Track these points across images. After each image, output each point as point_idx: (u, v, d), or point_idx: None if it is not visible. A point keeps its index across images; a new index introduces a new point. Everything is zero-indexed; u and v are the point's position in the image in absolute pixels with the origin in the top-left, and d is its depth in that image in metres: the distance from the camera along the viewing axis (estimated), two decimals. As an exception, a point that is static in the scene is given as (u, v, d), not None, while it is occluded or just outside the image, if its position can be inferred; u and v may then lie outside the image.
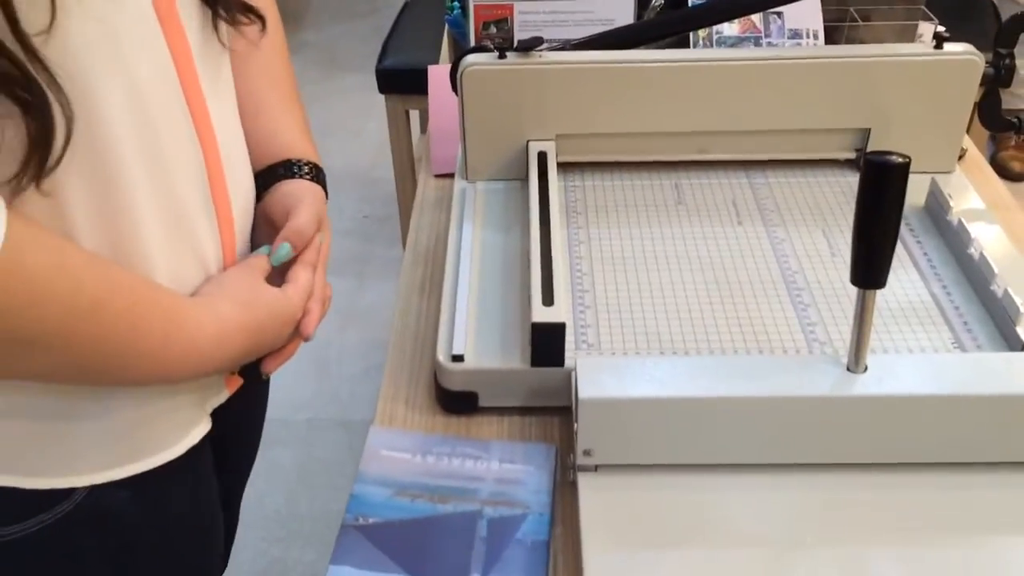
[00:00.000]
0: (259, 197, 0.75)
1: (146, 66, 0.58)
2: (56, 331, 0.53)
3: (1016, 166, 2.58)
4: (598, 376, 0.65)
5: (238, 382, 0.75)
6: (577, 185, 0.99)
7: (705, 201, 0.95)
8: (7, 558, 0.66)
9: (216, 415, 0.74)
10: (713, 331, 0.78)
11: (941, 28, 0.93)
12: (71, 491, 0.65)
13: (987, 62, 0.92)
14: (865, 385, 0.64)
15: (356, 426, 1.98)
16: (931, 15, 1.23)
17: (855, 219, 0.59)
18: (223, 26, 0.67)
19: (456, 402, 0.77)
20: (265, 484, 1.83)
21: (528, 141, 0.96)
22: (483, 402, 0.76)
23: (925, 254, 0.87)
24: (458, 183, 0.99)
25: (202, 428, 0.73)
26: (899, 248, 0.86)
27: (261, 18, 0.73)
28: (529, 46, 0.93)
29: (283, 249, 0.71)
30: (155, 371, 0.61)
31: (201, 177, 0.65)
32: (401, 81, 2.04)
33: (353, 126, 2.96)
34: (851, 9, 1.23)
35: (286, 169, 0.75)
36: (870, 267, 0.60)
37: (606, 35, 0.98)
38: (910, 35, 1.22)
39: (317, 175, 0.77)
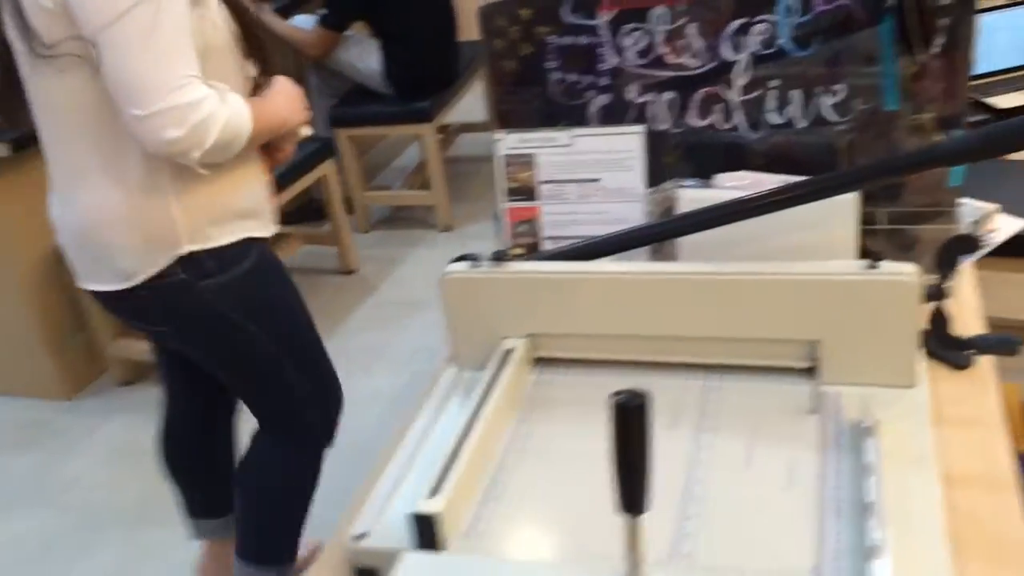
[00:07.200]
0: None
1: None
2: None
3: None
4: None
5: None
6: (550, 380, 1.08)
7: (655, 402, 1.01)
8: (223, 295, 1.47)
9: None
10: (597, 537, 0.84)
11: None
12: (249, 250, 1.49)
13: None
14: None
15: None
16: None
17: (611, 454, 0.65)
18: None
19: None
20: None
21: (503, 338, 1.08)
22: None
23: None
24: (448, 370, 1.12)
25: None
26: (813, 456, 0.88)
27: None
28: (500, 257, 1.06)
29: None
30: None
31: None
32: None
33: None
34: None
35: None
36: (631, 496, 0.65)
37: (576, 249, 1.09)
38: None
39: None
